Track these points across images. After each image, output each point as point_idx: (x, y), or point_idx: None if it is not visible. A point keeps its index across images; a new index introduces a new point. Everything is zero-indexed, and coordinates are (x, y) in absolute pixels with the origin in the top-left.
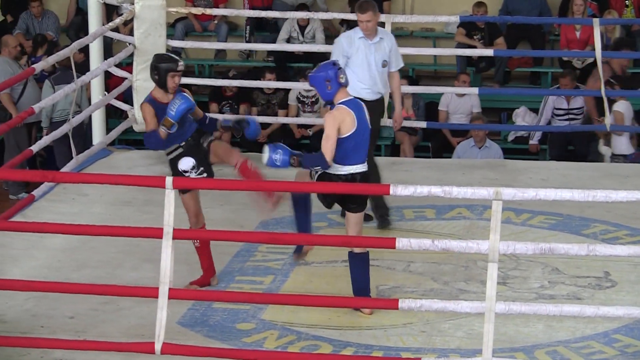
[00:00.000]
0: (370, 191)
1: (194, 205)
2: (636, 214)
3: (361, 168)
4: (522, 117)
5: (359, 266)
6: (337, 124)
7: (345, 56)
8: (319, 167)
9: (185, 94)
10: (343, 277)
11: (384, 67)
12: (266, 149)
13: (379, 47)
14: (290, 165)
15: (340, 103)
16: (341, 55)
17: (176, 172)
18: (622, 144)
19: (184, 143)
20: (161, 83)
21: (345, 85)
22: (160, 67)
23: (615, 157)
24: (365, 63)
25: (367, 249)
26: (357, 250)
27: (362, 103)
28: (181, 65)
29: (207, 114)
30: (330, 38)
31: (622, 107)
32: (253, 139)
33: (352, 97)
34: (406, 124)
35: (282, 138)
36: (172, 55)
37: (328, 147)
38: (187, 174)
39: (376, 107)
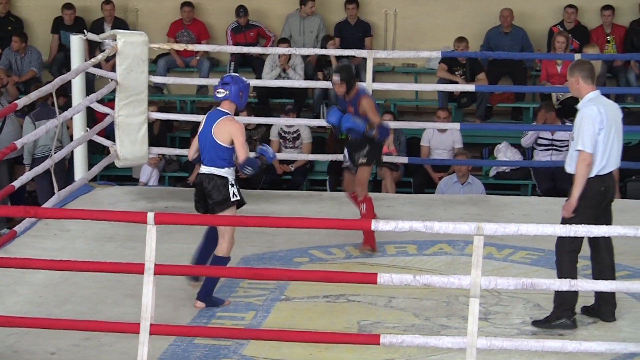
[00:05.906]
0: (350, 226)
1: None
2: (618, 249)
3: (204, 169)
4: (503, 152)
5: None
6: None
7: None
8: None
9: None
10: (324, 312)
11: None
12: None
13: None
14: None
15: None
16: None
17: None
18: None
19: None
20: None
21: (217, 99)
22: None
23: None
24: None
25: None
26: (220, 253)
27: (221, 115)
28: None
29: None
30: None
31: None
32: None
33: (218, 109)
34: (388, 159)
35: (265, 174)
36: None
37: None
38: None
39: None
